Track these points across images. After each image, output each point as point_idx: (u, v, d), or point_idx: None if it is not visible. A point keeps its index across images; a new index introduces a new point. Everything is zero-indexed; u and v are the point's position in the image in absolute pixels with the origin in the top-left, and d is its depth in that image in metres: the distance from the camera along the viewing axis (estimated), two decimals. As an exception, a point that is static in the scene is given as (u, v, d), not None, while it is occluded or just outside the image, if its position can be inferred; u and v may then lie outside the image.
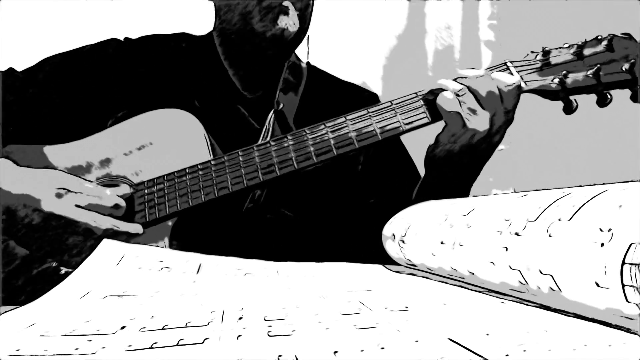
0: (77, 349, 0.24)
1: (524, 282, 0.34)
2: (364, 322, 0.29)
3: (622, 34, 0.64)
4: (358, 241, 0.77)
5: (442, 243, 0.46)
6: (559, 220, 0.31)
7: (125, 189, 0.65)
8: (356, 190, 0.86)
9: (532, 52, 0.68)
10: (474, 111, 0.63)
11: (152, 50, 0.84)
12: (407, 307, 0.34)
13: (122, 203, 0.62)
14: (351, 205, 0.84)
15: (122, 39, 0.85)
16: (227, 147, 0.70)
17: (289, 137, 0.67)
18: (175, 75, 0.82)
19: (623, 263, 0.25)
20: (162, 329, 0.28)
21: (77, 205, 0.59)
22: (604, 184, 0.32)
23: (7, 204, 0.57)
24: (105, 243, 0.49)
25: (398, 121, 0.66)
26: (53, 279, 0.40)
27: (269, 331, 0.27)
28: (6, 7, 1.31)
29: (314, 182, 0.79)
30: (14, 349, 0.24)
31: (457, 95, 0.63)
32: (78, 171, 0.69)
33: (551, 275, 0.31)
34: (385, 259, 0.63)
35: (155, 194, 0.66)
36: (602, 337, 0.26)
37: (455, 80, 0.65)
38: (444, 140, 0.67)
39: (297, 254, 0.61)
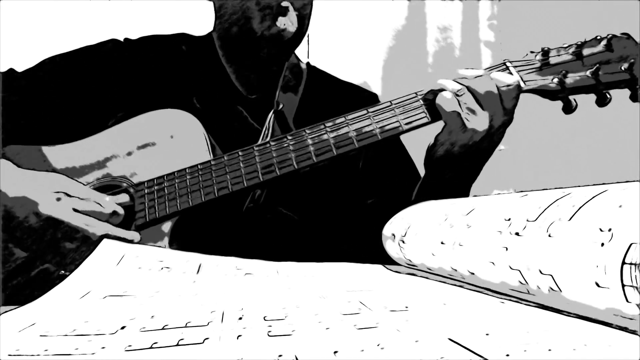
0: (77, 349, 0.24)
1: (524, 282, 0.34)
2: (364, 322, 0.29)
3: (621, 33, 0.64)
4: (358, 241, 0.77)
5: (442, 243, 0.46)
6: (559, 220, 0.31)
7: (124, 198, 0.65)
8: (356, 190, 0.86)
9: (532, 52, 0.68)
10: (473, 111, 0.63)
11: (152, 50, 0.84)
12: (407, 307, 0.34)
13: (121, 211, 0.62)
14: (351, 205, 0.84)
15: (121, 39, 0.85)
16: (227, 147, 0.70)
17: (289, 137, 0.67)
18: (175, 75, 0.82)
19: (623, 263, 0.25)
20: (162, 329, 0.28)
21: (75, 210, 0.59)
22: (604, 184, 0.32)
23: (5, 206, 0.57)
24: (105, 243, 0.49)
25: (398, 121, 0.66)
26: (51, 281, 0.40)
27: (269, 331, 0.27)
28: (6, 8, 1.31)
29: (314, 182, 0.79)
30: (14, 349, 0.24)
31: (457, 95, 0.63)
32: (78, 171, 0.69)
33: (551, 275, 0.31)
34: (385, 259, 0.63)
35: (156, 194, 0.66)
36: (602, 337, 0.26)
37: (454, 80, 0.65)
38: (443, 140, 0.67)
39: (297, 254, 0.61)
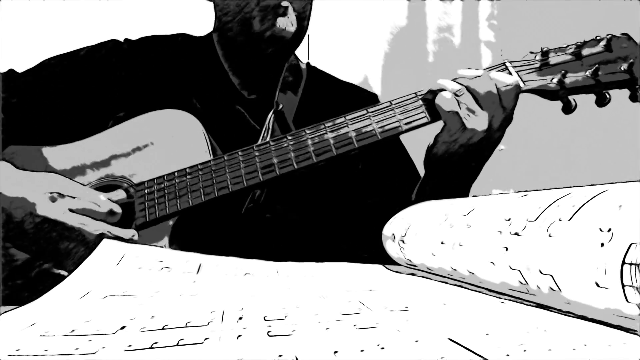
0: (77, 349, 0.24)
1: (524, 282, 0.34)
2: (364, 322, 0.29)
3: (621, 34, 0.64)
4: (358, 241, 0.77)
5: (442, 243, 0.46)
6: (559, 220, 0.31)
7: (120, 194, 0.65)
8: (356, 190, 0.86)
9: (531, 52, 0.68)
10: (472, 111, 0.63)
11: (152, 51, 0.84)
12: (407, 307, 0.34)
13: (117, 209, 0.62)
14: (351, 205, 0.84)
15: (121, 39, 0.85)
16: (227, 147, 0.70)
17: (289, 137, 0.67)
18: (175, 75, 0.82)
19: (623, 263, 0.25)
20: (162, 329, 0.28)
21: (71, 210, 0.59)
22: (604, 184, 0.32)
23: (4, 207, 0.57)
24: (105, 243, 0.49)
25: (397, 121, 0.66)
26: (49, 281, 0.40)
27: (269, 331, 0.27)
28: (6, 8, 1.31)
29: (314, 182, 0.79)
30: (14, 349, 0.24)
31: (456, 95, 0.63)
32: (78, 172, 0.69)
33: (551, 275, 0.31)
34: (385, 259, 0.63)
35: (156, 194, 0.66)
36: (602, 337, 0.26)
37: (454, 80, 0.65)
38: (442, 140, 0.67)
39: (297, 254, 0.61)
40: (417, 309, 0.33)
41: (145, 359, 0.23)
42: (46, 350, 0.24)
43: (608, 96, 0.64)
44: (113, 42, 0.84)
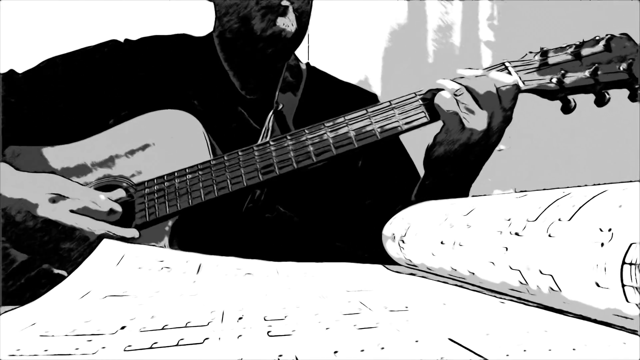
0: (77, 349, 0.24)
1: (524, 282, 0.34)
2: (364, 322, 0.29)
3: (620, 34, 0.64)
4: (358, 241, 0.77)
5: (442, 243, 0.46)
6: (559, 220, 0.31)
7: (120, 193, 0.65)
8: (356, 190, 0.86)
9: (530, 52, 0.68)
10: (471, 111, 0.63)
11: (152, 51, 0.84)
12: (407, 307, 0.34)
13: (118, 208, 0.62)
14: (351, 205, 0.84)
15: (122, 40, 0.85)
16: (227, 147, 0.70)
17: (289, 137, 0.67)
18: (175, 76, 0.82)
19: (623, 263, 0.25)
20: (162, 329, 0.28)
21: (71, 211, 0.59)
22: (604, 184, 0.32)
23: (4, 208, 0.58)
24: (105, 243, 0.49)
25: (397, 121, 0.66)
26: (49, 281, 0.40)
27: (269, 331, 0.27)
28: (6, 9, 1.31)
29: (313, 182, 0.79)
30: (14, 349, 0.24)
31: (455, 95, 0.63)
32: (78, 172, 0.69)
33: (551, 275, 0.31)
34: (385, 259, 0.63)
35: (156, 194, 0.66)
36: (602, 337, 0.26)
37: (453, 80, 0.65)
38: (442, 140, 0.67)
39: (297, 254, 0.61)
40: (417, 309, 0.33)
41: (145, 359, 0.23)
42: (46, 350, 0.24)
43: (607, 96, 0.64)
44: (113, 43, 0.84)
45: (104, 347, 0.24)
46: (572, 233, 0.29)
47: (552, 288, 0.31)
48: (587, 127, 1.39)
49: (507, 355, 0.23)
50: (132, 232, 0.62)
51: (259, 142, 0.74)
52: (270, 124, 0.81)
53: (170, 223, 0.66)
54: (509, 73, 0.66)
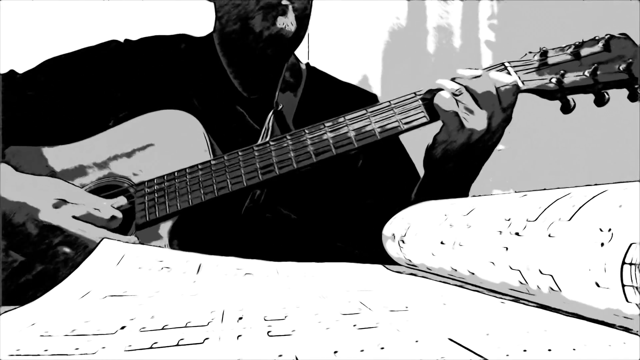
0: (77, 349, 0.24)
1: (524, 282, 0.34)
2: (364, 322, 0.29)
3: (619, 34, 0.64)
4: (358, 241, 0.77)
5: (442, 243, 0.46)
6: (559, 220, 0.31)
7: (122, 201, 0.65)
8: (356, 190, 0.86)
9: (530, 52, 0.68)
10: (471, 111, 0.63)
11: (153, 51, 0.84)
12: (407, 307, 0.34)
13: (119, 215, 0.62)
14: (351, 205, 0.84)
15: (122, 40, 0.85)
16: (227, 147, 0.70)
17: (288, 137, 0.67)
18: (176, 76, 0.82)
19: (623, 263, 0.25)
20: (162, 329, 0.28)
21: (74, 217, 0.59)
22: (604, 184, 0.32)
23: (4, 211, 0.57)
24: (106, 243, 0.49)
25: (397, 121, 0.66)
26: (48, 282, 0.40)
27: (269, 331, 0.27)
28: (6, 9, 1.31)
29: (313, 182, 0.79)
30: (14, 349, 0.24)
31: (455, 95, 0.63)
32: (78, 172, 0.69)
33: (551, 275, 0.31)
34: (385, 259, 0.63)
35: (156, 194, 0.66)
36: (602, 337, 0.26)
37: (453, 80, 0.65)
38: (441, 140, 0.67)
39: (297, 254, 0.61)
40: (417, 309, 0.33)
41: (145, 359, 0.23)
42: (46, 350, 0.24)
43: (607, 96, 0.64)
44: (113, 43, 0.84)
45: (104, 347, 0.24)
46: (572, 233, 0.29)
47: (552, 288, 0.31)
48: (587, 127, 1.39)
49: (507, 355, 0.23)
50: (131, 240, 0.62)
51: (259, 142, 0.74)
52: (270, 124, 0.81)
53: (170, 223, 0.66)
54: (509, 73, 0.66)
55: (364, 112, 0.67)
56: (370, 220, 0.69)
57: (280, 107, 0.82)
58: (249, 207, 0.77)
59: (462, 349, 0.24)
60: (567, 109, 0.66)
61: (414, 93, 0.67)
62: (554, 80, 0.64)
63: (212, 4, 0.84)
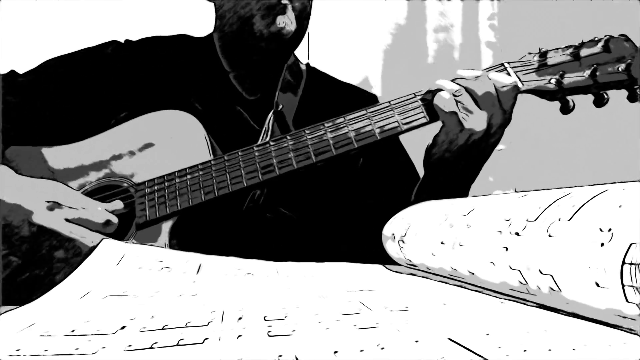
0: (77, 349, 0.24)
1: (524, 282, 0.34)
2: (364, 322, 0.29)
3: (619, 35, 0.65)
4: (358, 241, 0.77)
5: (442, 243, 0.46)
6: (559, 220, 0.31)
7: (118, 205, 0.65)
8: (356, 191, 0.86)
9: (529, 53, 0.68)
10: (470, 111, 0.63)
11: (153, 52, 0.84)
12: (407, 307, 0.34)
13: (114, 219, 0.62)
14: (351, 205, 0.84)
15: (122, 41, 0.85)
16: (227, 147, 0.70)
17: (288, 137, 0.67)
18: (176, 76, 0.82)
19: (623, 263, 0.25)
20: (162, 329, 0.28)
21: (67, 220, 0.59)
22: (604, 184, 0.32)
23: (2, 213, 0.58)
24: (105, 243, 0.49)
25: (396, 121, 0.66)
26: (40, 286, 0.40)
27: (269, 331, 0.27)
28: (6, 9, 1.31)
29: (313, 182, 0.79)
30: (14, 349, 0.24)
31: (454, 95, 0.63)
32: (78, 172, 0.69)
33: (551, 275, 0.31)
34: (385, 259, 0.63)
35: (156, 194, 0.66)
36: (602, 337, 0.26)
37: (452, 80, 0.65)
38: (441, 140, 0.67)
39: (297, 254, 0.61)
40: (417, 309, 0.33)
41: (145, 359, 0.23)
42: (46, 350, 0.24)
43: (606, 96, 0.64)
44: (114, 43, 0.84)
45: (104, 347, 0.24)
46: (572, 233, 0.29)
47: (552, 288, 0.31)
48: (587, 127, 1.39)
49: (507, 355, 0.23)
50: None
51: (259, 142, 0.74)
52: (270, 124, 0.81)
53: (170, 223, 0.66)
54: (508, 74, 0.66)
55: (363, 112, 0.67)
56: (370, 220, 0.69)
57: (280, 107, 0.82)
58: (249, 207, 0.77)
59: (462, 349, 0.24)
60: (566, 109, 0.66)
61: (414, 93, 0.67)
62: (553, 80, 0.64)
63: (212, 4, 0.84)
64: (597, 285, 0.27)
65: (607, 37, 0.64)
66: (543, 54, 0.67)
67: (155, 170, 0.68)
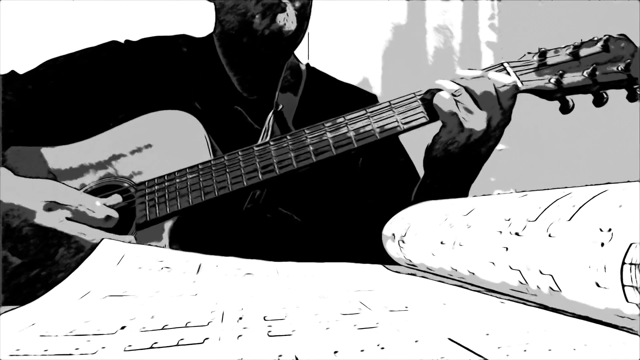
0: (77, 349, 0.24)
1: (524, 282, 0.34)
2: (364, 322, 0.29)
3: (618, 34, 0.65)
4: (358, 241, 0.77)
5: (442, 243, 0.46)
6: (559, 220, 0.31)
7: (117, 199, 0.65)
8: (356, 191, 0.86)
9: (529, 52, 0.68)
10: (470, 111, 0.63)
11: (153, 52, 0.84)
12: (407, 307, 0.34)
13: (114, 214, 0.62)
14: (351, 205, 0.85)
15: (122, 41, 0.85)
16: (227, 147, 0.70)
17: (288, 137, 0.67)
18: (176, 76, 0.82)
19: (623, 263, 0.25)
20: (162, 329, 0.28)
21: (68, 218, 0.59)
22: (604, 184, 0.32)
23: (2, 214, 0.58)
24: (105, 243, 0.49)
25: (396, 121, 0.66)
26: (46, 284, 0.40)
27: (269, 331, 0.27)
28: (6, 9, 1.31)
29: (313, 182, 0.79)
30: (14, 349, 0.24)
31: (454, 95, 0.63)
32: (79, 172, 0.69)
33: (551, 275, 0.31)
34: (385, 259, 0.63)
35: (156, 194, 0.66)
36: (602, 337, 0.26)
37: (452, 80, 0.65)
38: (441, 140, 0.67)
39: (297, 254, 0.61)
40: (417, 309, 0.33)
41: (145, 359, 0.23)
42: (46, 350, 0.24)
43: (605, 96, 0.64)
44: (114, 43, 0.84)
45: (104, 347, 0.24)
46: (572, 233, 0.29)
47: (552, 288, 0.31)
48: (587, 127, 1.39)
49: (507, 355, 0.23)
50: (128, 239, 0.62)
51: (259, 142, 0.74)
52: (270, 124, 0.81)
53: (170, 223, 0.66)
54: (508, 73, 0.66)
55: (363, 112, 0.67)
56: (370, 220, 0.69)
57: (280, 107, 0.82)
58: (249, 207, 0.77)
59: (462, 349, 0.24)
60: (566, 109, 0.66)
61: (414, 93, 0.67)
62: (552, 80, 0.64)
63: (212, 4, 0.84)
64: (597, 285, 0.27)
65: (607, 36, 0.64)
66: (542, 54, 0.67)
67: (155, 170, 0.68)
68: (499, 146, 0.69)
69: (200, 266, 0.49)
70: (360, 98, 0.93)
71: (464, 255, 0.42)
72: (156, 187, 0.66)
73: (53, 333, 0.27)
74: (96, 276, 0.42)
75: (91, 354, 0.24)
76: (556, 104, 0.66)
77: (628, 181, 0.31)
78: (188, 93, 0.80)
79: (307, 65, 0.93)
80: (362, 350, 0.24)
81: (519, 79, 0.65)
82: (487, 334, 0.26)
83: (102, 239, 0.56)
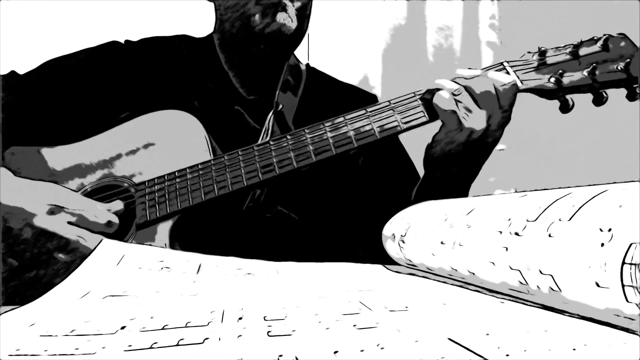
0: (77, 349, 0.24)
1: (524, 282, 0.34)
2: (364, 322, 0.29)
3: (617, 34, 0.65)
4: (358, 241, 0.77)
5: (442, 243, 0.46)
6: (559, 220, 0.31)
7: (119, 205, 0.65)
8: (356, 190, 0.86)
9: (529, 52, 0.68)
10: (470, 110, 0.63)
11: (153, 52, 0.84)
12: (407, 307, 0.34)
13: (115, 220, 0.62)
14: (351, 205, 0.85)
15: (122, 41, 0.85)
16: (227, 147, 0.70)
17: (289, 137, 0.67)
18: (176, 76, 0.82)
19: (623, 263, 0.25)
20: (162, 329, 0.28)
21: (69, 223, 0.59)
22: (604, 184, 0.32)
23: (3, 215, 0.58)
24: (105, 243, 0.49)
25: (396, 120, 0.66)
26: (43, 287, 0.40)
27: (269, 331, 0.27)
28: (6, 9, 1.31)
29: (313, 182, 0.79)
30: (14, 349, 0.24)
31: (454, 94, 0.64)
32: (79, 172, 0.69)
33: (551, 275, 0.31)
34: (385, 259, 0.63)
35: (156, 194, 0.66)
36: (602, 337, 0.26)
37: (452, 80, 0.65)
38: (441, 139, 0.67)
39: (297, 254, 0.61)
40: (417, 309, 0.33)
41: (145, 359, 0.23)
42: (46, 350, 0.24)
43: (605, 95, 0.64)
44: (114, 44, 0.84)
45: (104, 347, 0.24)
46: (572, 233, 0.29)
47: (552, 288, 0.31)
48: (587, 127, 1.39)
49: (507, 355, 0.23)
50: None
51: (259, 141, 0.74)
52: (270, 124, 0.81)
53: (170, 223, 0.66)
54: (507, 73, 0.66)
55: (363, 111, 0.67)
56: (371, 220, 0.69)
57: (280, 107, 0.82)
58: (249, 206, 0.77)
59: (462, 349, 0.24)
60: (565, 108, 0.66)
61: (414, 93, 0.67)
62: (552, 79, 0.64)
63: (212, 4, 0.84)
64: (597, 285, 0.27)
65: (606, 36, 0.64)
66: (542, 53, 0.67)
67: (155, 170, 0.68)
68: (499, 146, 0.69)
69: (200, 266, 0.49)
70: (360, 98, 0.93)
71: (464, 255, 0.42)
72: (156, 187, 0.66)
73: (53, 333, 0.27)
74: (96, 276, 0.43)
75: (91, 354, 0.24)
76: (556, 104, 0.66)
77: (628, 181, 0.31)
78: (188, 93, 0.80)
79: (307, 65, 0.93)
80: (362, 351, 0.24)
81: (518, 78, 0.65)
82: (487, 334, 0.26)
83: (102, 239, 0.56)
